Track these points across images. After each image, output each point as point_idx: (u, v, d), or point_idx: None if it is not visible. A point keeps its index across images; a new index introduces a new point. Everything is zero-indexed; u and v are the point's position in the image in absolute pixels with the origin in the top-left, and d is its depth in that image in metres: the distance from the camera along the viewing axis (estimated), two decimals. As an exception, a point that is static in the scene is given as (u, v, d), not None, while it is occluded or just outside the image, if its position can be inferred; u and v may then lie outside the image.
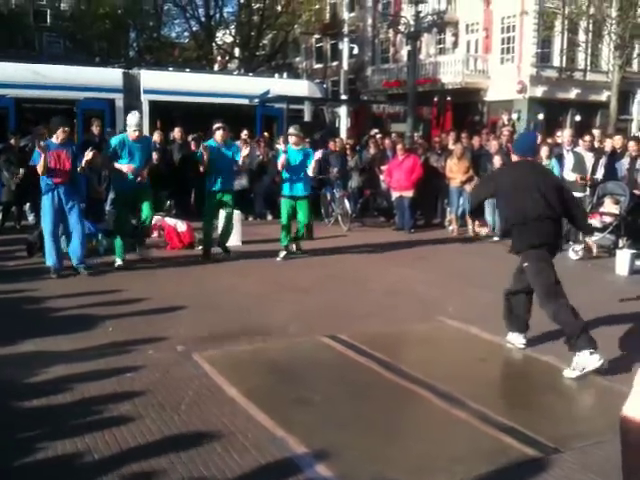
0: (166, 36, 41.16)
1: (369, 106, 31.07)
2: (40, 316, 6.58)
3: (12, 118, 15.32)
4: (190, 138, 14.10)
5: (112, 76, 17.48)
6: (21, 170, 8.01)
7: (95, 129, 12.68)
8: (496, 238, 11.97)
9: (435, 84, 29.30)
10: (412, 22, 24.13)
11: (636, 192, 10.20)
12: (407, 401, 4.78)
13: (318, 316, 6.79)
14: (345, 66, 28.07)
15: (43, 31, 42.37)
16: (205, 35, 36.85)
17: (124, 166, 8.72)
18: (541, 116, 27.20)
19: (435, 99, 29.51)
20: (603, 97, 28.33)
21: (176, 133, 14.20)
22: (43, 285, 7.78)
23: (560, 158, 11.39)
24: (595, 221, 10.25)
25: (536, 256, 5.54)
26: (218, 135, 9.51)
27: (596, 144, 12.01)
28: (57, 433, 3.93)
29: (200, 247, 10.05)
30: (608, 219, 10.16)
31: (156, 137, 14.00)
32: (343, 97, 26.18)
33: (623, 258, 9.31)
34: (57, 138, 8.22)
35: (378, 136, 16.27)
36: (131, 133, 8.79)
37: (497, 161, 12.00)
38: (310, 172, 9.62)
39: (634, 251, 9.41)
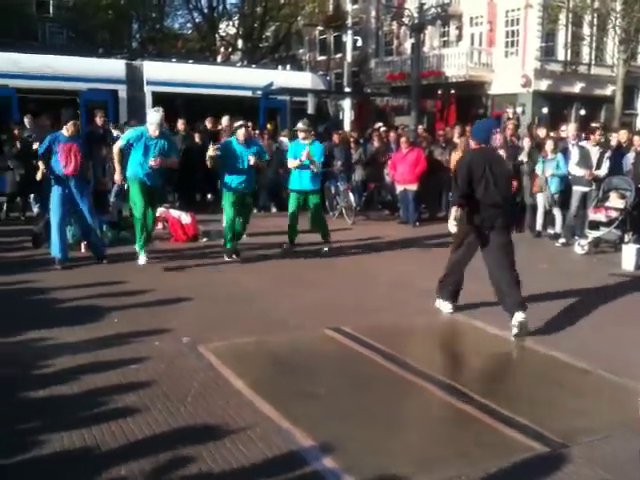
0: (169, 27, 41.03)
1: (373, 99, 30.99)
2: (45, 307, 6.59)
3: (15, 109, 15.29)
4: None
5: (115, 67, 17.43)
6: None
7: (99, 120, 12.66)
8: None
9: (439, 77, 29.20)
10: (416, 14, 24.05)
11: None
12: (411, 394, 4.77)
13: (322, 309, 6.78)
14: (349, 58, 28.01)
15: (46, 21, 42.27)
16: (208, 26, 36.72)
17: (117, 174, 8.80)
18: (545, 110, 27.11)
19: (439, 92, 29.40)
20: (608, 91, 28.24)
21: (179, 125, 14.17)
22: (48, 276, 7.78)
23: (566, 152, 11.36)
24: (601, 216, 10.24)
25: (478, 233, 6.37)
26: (240, 134, 8.88)
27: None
28: (63, 424, 3.94)
29: (205, 240, 10.06)
30: (614, 214, 10.14)
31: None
32: (346, 89, 26.11)
33: (629, 253, 9.29)
34: (67, 131, 8.28)
35: (382, 129, 16.23)
36: (152, 131, 8.48)
37: (501, 155, 11.97)
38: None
39: (640, 246, 9.40)
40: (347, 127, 19.66)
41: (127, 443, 3.76)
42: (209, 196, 14.36)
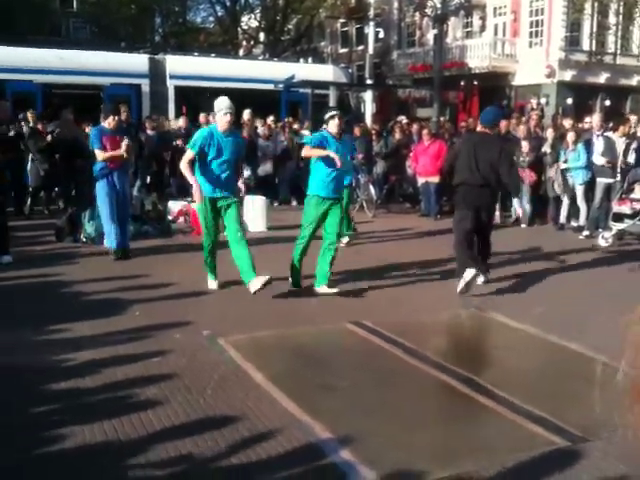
0: (191, 21, 41.14)
1: (395, 91, 30.81)
2: (67, 300, 6.66)
3: (39, 103, 15.45)
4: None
5: (138, 61, 17.55)
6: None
7: (122, 115, 12.74)
8: (523, 225, 11.87)
9: (462, 68, 28.95)
10: (439, 5, 23.83)
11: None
12: (432, 388, 4.76)
13: (343, 302, 6.78)
14: (370, 50, 27.83)
15: (69, 16, 42.55)
16: (230, 20, 36.77)
17: (196, 192, 6.70)
18: (570, 101, 26.77)
19: (462, 83, 29.16)
20: (633, 81, 27.81)
21: (202, 118, 14.22)
22: (71, 269, 7.87)
23: (588, 144, 11.21)
24: (625, 207, 10.10)
25: (462, 212, 7.30)
26: (332, 125, 7.09)
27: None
28: (84, 416, 3.98)
29: (226, 233, 10.11)
30: (639, 206, 9.99)
31: (182, 122, 14.05)
32: (368, 82, 25.99)
33: (653, 245, 9.16)
34: (109, 124, 8.44)
35: (404, 122, 16.15)
36: (222, 121, 6.61)
37: (525, 146, 11.86)
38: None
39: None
40: (369, 119, 19.56)
41: (147, 435, 3.79)
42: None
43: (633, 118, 12.96)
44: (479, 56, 28.61)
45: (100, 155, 8.23)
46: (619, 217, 10.19)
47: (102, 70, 16.25)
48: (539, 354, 5.74)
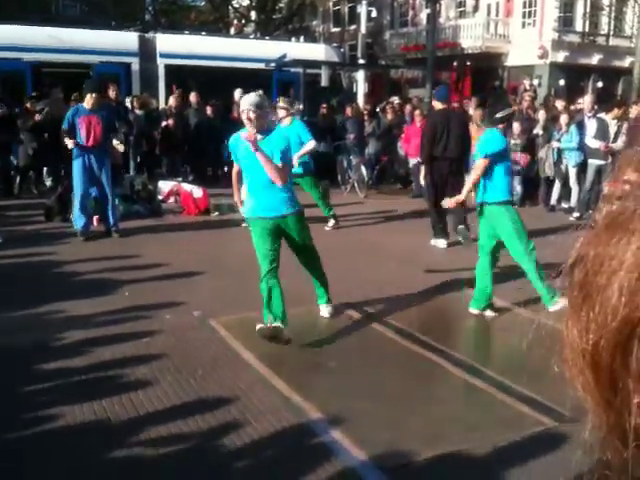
0: (182, -1, 40.70)
1: (387, 71, 30.66)
2: (58, 280, 6.63)
3: (29, 82, 15.28)
4: None
5: (128, 40, 17.34)
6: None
7: (112, 93, 12.61)
8: (515, 206, 11.87)
9: (455, 48, 28.79)
10: (432, -16, 23.63)
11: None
12: (424, 369, 4.77)
13: (334, 284, 6.74)
14: (363, 30, 27.60)
15: (59, -6, 42.04)
16: (221, -2, 36.40)
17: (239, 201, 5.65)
18: (562, 82, 26.70)
19: (454, 64, 29.03)
20: (626, 63, 27.72)
21: (192, 98, 14.10)
22: (61, 249, 7.82)
23: (581, 125, 11.19)
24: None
25: (431, 181, 8.46)
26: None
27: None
28: (73, 396, 3.97)
29: (216, 213, 10.06)
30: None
31: (172, 102, 13.94)
32: (361, 62, 25.83)
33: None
34: (87, 103, 8.35)
35: (396, 102, 16.07)
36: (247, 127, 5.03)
37: (517, 127, 11.83)
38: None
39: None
40: (361, 100, 19.46)
41: (137, 415, 3.79)
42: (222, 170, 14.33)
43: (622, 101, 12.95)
44: (472, 36, 28.45)
45: (64, 139, 8.16)
46: (610, 199, 10.20)
47: (92, 48, 16.05)
48: (528, 334, 5.75)
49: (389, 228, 9.97)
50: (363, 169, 12.99)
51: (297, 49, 18.93)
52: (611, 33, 28.58)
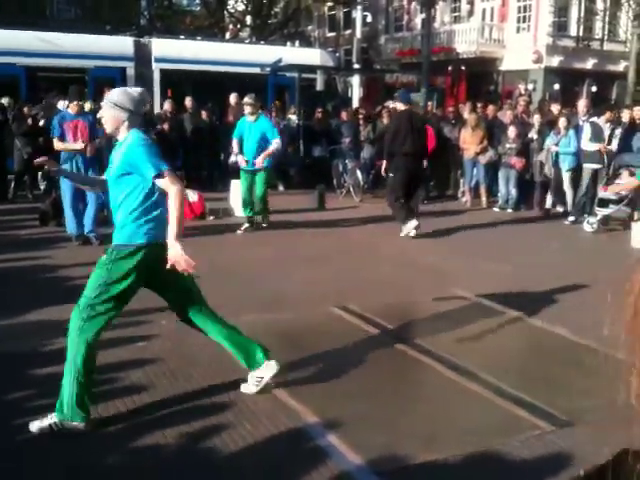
0: (177, 4, 40.68)
1: (382, 76, 30.70)
2: (52, 284, 6.61)
3: (23, 87, 15.25)
4: None
5: (123, 44, 17.33)
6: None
7: (106, 98, 12.59)
8: (510, 210, 11.89)
9: (449, 53, 28.87)
10: (427, -11, 23.70)
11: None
12: (419, 372, 4.77)
13: (329, 287, 6.77)
14: (358, 35, 27.66)
15: (54, -2, 42.02)
16: (217, 3, 36.39)
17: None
18: (557, 86, 26.79)
19: (449, 68, 29.10)
20: (620, 67, 27.84)
21: (187, 102, 14.10)
22: (55, 254, 7.80)
23: (577, 128, 11.22)
24: (610, 193, 10.13)
25: (398, 176, 9.22)
26: None
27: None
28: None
29: (212, 218, 10.04)
30: (624, 191, 10.03)
31: (167, 106, 13.93)
32: (356, 66, 25.87)
33: (638, 230, 9.20)
34: (72, 109, 8.46)
35: (392, 106, 16.07)
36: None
37: (512, 132, 11.86)
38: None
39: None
40: (356, 104, 19.48)
41: (133, 419, 3.78)
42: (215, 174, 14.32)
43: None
44: (467, 41, 28.52)
45: (56, 144, 8.27)
46: (604, 203, 10.23)
47: (87, 53, 16.03)
48: (525, 338, 5.76)
49: (385, 231, 9.97)
50: (358, 173, 13.01)
51: (292, 54, 18.94)
52: (605, 38, 28.70)
